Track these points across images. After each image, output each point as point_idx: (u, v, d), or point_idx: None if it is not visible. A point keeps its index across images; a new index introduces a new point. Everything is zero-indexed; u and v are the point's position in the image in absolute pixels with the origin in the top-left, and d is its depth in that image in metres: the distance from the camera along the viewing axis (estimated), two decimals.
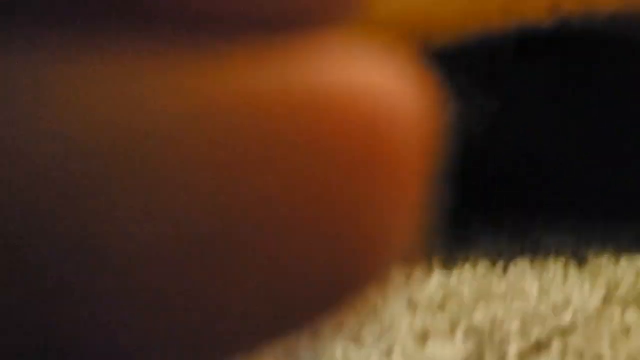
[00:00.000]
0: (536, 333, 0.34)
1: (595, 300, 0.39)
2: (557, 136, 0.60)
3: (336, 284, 0.06)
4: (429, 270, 0.42)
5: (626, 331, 0.36)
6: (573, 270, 0.43)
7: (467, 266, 0.43)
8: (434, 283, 0.41)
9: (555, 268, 0.43)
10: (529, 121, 0.59)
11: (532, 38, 0.46)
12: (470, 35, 0.34)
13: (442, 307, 0.38)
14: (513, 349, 0.33)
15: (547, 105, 0.59)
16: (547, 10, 0.35)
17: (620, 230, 0.51)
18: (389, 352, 0.33)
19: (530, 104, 0.58)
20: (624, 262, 0.45)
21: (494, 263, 0.44)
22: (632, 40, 0.38)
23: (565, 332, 0.35)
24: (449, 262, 0.43)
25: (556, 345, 0.34)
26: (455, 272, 0.43)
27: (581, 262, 0.45)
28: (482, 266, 0.43)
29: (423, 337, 0.34)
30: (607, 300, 0.39)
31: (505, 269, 0.43)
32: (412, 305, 0.38)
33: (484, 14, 0.34)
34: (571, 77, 0.56)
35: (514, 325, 0.35)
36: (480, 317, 0.36)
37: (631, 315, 0.37)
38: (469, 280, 0.41)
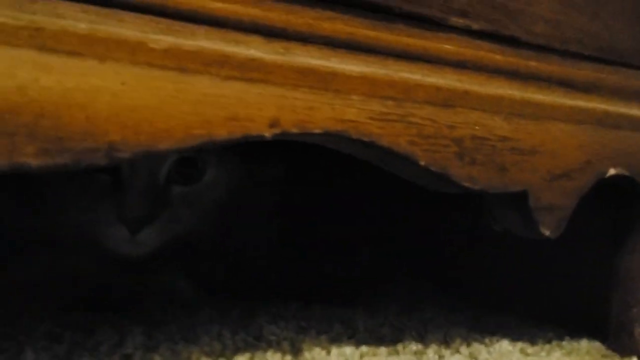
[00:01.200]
0: None
1: None
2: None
3: None
4: None
5: None
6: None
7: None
8: None
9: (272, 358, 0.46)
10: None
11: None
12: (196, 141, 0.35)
13: None
14: None
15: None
16: (267, 124, 0.38)
17: (332, 323, 0.56)
18: None
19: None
20: (333, 350, 0.50)
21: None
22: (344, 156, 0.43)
23: None
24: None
25: None
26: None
27: (293, 349, 0.48)
28: None
29: None
30: None
31: None
32: None
33: (209, 122, 0.36)
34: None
35: None
36: None
37: None
38: None
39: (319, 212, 0.73)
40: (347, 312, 0.61)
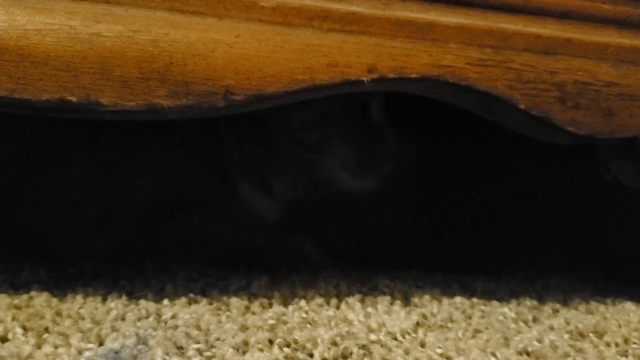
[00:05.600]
0: (344, 345, 0.39)
1: (407, 324, 0.44)
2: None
3: None
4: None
5: (421, 344, 0.41)
6: (397, 306, 0.49)
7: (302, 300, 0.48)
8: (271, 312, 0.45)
9: (382, 303, 0.49)
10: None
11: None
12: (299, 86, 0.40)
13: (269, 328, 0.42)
14: (318, 354, 0.38)
15: None
16: (365, 70, 0.41)
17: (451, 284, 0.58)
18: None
19: None
20: (444, 300, 0.51)
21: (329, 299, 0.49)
22: (436, 100, 0.45)
23: (367, 345, 0.40)
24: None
25: (357, 353, 0.38)
26: (293, 304, 0.47)
27: (405, 299, 0.51)
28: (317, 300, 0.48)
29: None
30: (419, 325, 0.45)
31: (338, 304, 0.48)
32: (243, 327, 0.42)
33: (311, 69, 0.40)
34: None
35: (325, 338, 0.40)
36: (299, 334, 0.40)
37: (431, 335, 0.43)
38: (302, 309, 0.46)
39: (449, 187, 0.75)
40: (468, 279, 0.62)
